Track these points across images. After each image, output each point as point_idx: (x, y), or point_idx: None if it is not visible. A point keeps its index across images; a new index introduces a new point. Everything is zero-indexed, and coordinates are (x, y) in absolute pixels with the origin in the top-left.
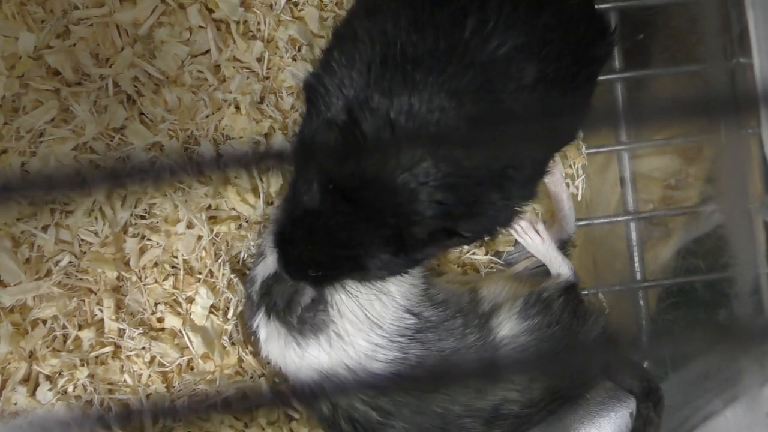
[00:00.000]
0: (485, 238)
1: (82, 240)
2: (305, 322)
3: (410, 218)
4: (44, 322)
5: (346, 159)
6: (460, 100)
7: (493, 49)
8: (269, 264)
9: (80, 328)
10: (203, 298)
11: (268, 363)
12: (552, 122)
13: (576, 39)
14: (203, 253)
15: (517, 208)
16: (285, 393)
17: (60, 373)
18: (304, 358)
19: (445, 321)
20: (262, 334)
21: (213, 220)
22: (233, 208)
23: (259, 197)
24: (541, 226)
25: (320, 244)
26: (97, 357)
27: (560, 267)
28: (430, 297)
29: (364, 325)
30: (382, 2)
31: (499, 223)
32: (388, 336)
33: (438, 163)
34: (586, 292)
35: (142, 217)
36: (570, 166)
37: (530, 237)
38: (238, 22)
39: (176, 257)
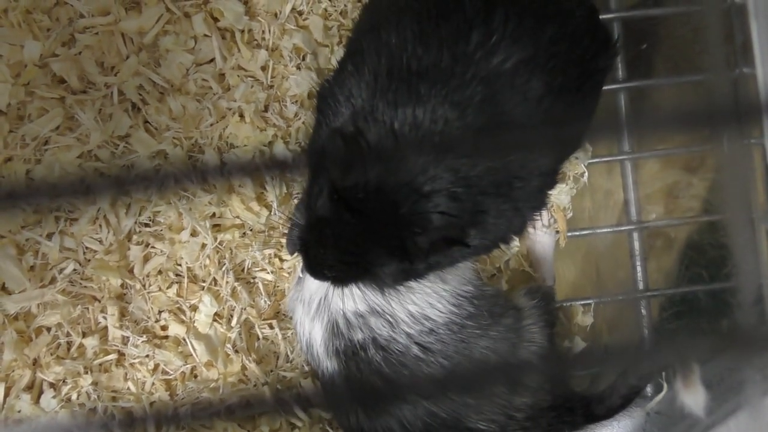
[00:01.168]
0: (500, 246)
1: (87, 248)
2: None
3: (411, 228)
4: (48, 329)
5: (350, 169)
6: (463, 112)
7: (498, 63)
8: None
9: (84, 335)
10: (207, 306)
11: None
12: (556, 132)
13: (580, 51)
14: (207, 261)
15: (528, 217)
16: (288, 400)
17: (64, 381)
18: (366, 299)
19: (494, 296)
20: (312, 282)
21: (217, 228)
22: (237, 217)
23: (264, 205)
24: (551, 232)
25: (331, 250)
26: (100, 364)
27: (548, 273)
28: (482, 278)
29: (436, 280)
30: (386, 15)
31: (511, 231)
32: (451, 292)
33: (441, 173)
34: (589, 302)
35: (147, 225)
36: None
37: (540, 235)
38: (242, 31)
39: (180, 265)
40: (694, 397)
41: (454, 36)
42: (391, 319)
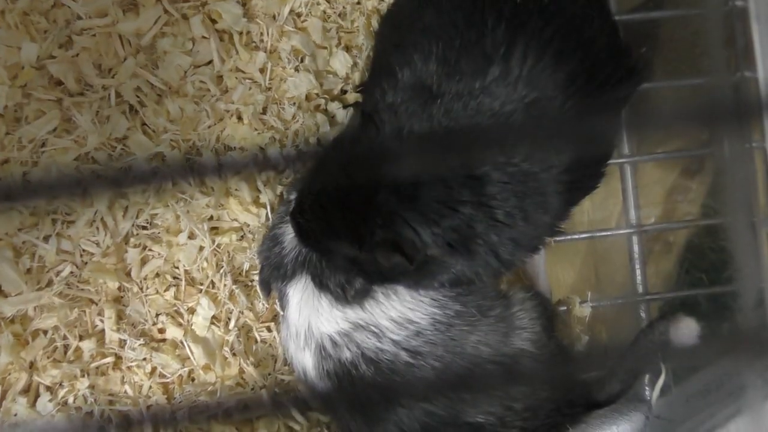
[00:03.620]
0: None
1: (84, 250)
2: (357, 297)
3: (375, 218)
4: (45, 332)
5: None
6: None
7: (515, 99)
8: None
9: (81, 338)
10: (204, 308)
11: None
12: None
13: (601, 81)
14: (205, 264)
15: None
16: (286, 403)
17: (60, 384)
18: (346, 317)
19: (483, 288)
20: (295, 297)
21: (215, 231)
22: (235, 220)
23: (261, 206)
24: None
25: (309, 216)
26: (97, 368)
27: (542, 287)
28: None
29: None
30: (413, 36)
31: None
32: (432, 295)
33: (429, 185)
34: (588, 305)
35: (144, 228)
36: None
37: None
38: (241, 33)
39: (178, 268)
40: (686, 326)
41: (472, 70)
42: (375, 330)
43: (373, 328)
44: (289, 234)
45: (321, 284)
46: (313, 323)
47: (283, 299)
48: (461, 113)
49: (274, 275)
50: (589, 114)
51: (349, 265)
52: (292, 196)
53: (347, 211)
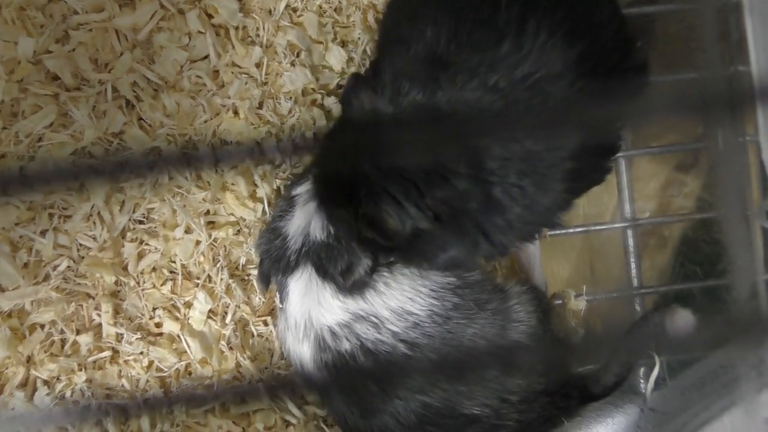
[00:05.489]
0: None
1: (81, 245)
2: (357, 286)
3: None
4: (42, 326)
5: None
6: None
7: (523, 75)
8: (302, 223)
9: (78, 332)
10: (201, 303)
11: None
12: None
13: (610, 67)
14: (201, 258)
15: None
16: (281, 395)
17: (58, 378)
18: (347, 308)
19: (481, 282)
20: (296, 289)
21: (211, 225)
22: (232, 214)
23: (258, 201)
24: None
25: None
26: (94, 362)
27: (538, 280)
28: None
29: (413, 275)
30: (426, 10)
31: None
32: (431, 286)
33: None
34: (583, 299)
35: (141, 222)
36: None
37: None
38: (237, 28)
39: (174, 262)
40: (682, 317)
41: (484, 45)
42: (375, 320)
43: (373, 318)
44: (290, 226)
45: (325, 273)
46: (313, 314)
47: (283, 292)
48: (465, 86)
49: (275, 268)
50: (597, 99)
51: (352, 234)
52: (294, 192)
53: (341, 180)
